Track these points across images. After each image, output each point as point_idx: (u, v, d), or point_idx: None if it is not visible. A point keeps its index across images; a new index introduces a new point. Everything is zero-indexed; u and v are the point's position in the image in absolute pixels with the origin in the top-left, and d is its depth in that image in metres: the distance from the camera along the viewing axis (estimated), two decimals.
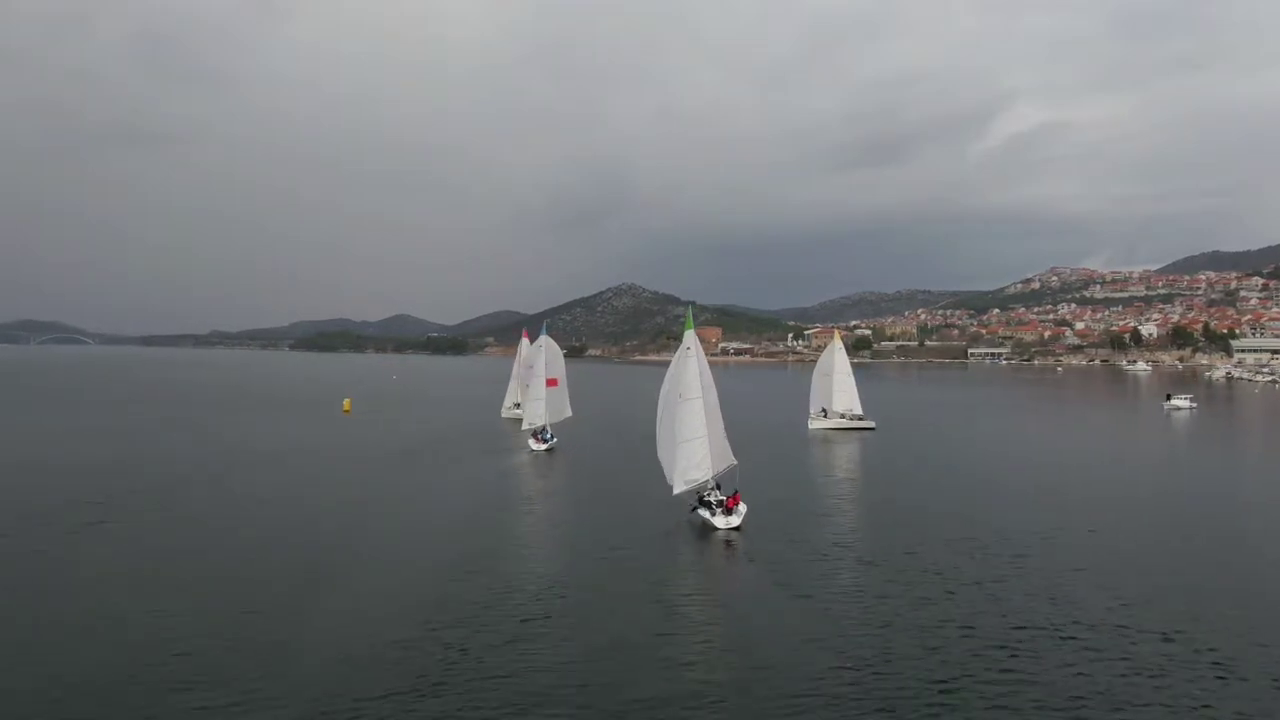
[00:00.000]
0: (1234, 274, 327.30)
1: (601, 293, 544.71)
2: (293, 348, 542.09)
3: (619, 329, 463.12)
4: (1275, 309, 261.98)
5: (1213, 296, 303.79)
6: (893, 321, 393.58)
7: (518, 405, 68.44)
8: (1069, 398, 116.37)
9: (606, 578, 23.05)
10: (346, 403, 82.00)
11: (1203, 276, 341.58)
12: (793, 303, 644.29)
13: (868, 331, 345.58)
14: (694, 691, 15.61)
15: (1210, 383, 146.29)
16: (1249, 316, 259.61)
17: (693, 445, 30.34)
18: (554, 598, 21.11)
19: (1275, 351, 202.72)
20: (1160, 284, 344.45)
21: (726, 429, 31.60)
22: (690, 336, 31.26)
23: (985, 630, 18.46)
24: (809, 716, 14.60)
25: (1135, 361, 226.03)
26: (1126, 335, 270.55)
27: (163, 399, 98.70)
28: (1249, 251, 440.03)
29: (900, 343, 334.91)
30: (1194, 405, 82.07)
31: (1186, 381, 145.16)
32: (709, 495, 29.93)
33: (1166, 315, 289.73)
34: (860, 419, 62.88)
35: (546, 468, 45.23)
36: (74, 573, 23.32)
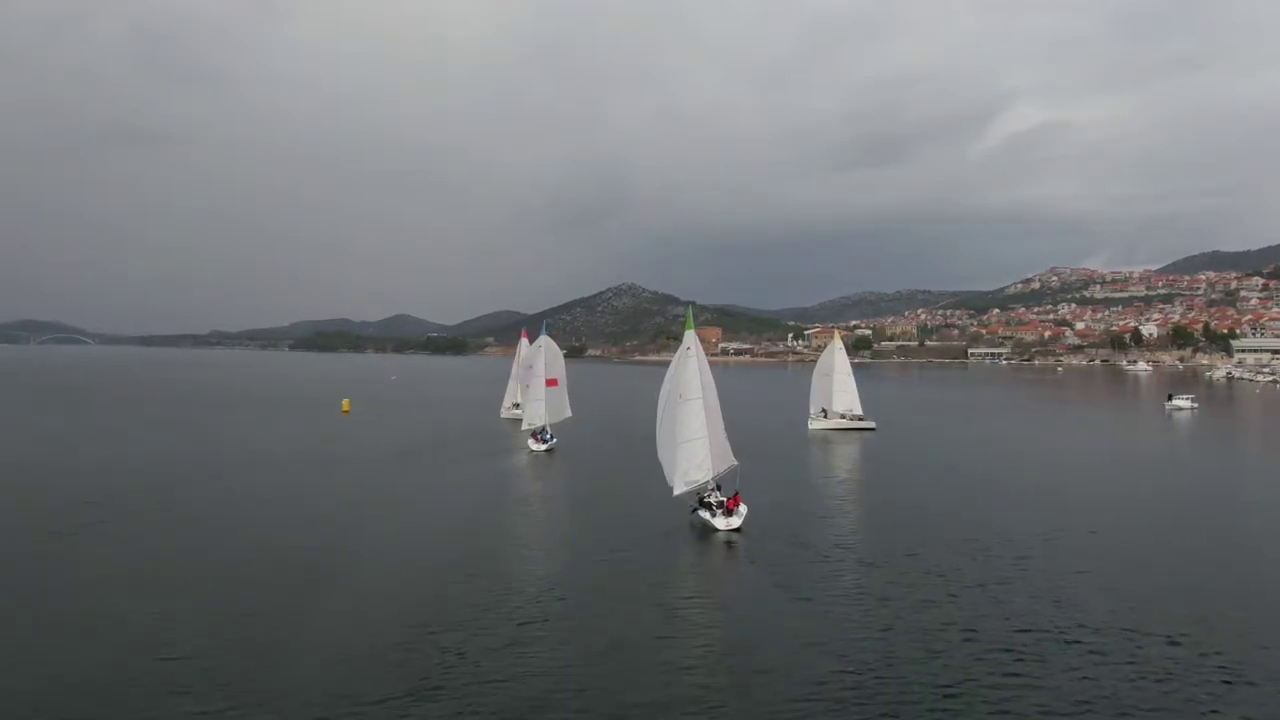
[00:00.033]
0: (1234, 274, 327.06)
1: (601, 293, 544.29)
2: (292, 348, 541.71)
3: (619, 329, 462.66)
4: (1275, 309, 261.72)
5: (1213, 296, 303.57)
6: (893, 321, 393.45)
7: (517, 405, 68.25)
8: (1070, 398, 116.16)
9: (606, 580, 22.86)
10: (345, 403, 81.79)
11: (1203, 276, 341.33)
12: (793, 303, 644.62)
13: (868, 331, 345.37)
14: (694, 696, 15.42)
15: (1211, 383, 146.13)
16: (1249, 316, 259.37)
17: (693, 446, 30.14)
18: (553, 600, 20.92)
19: (1276, 351, 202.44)
20: (1160, 284, 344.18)
21: (726, 429, 31.42)
22: (690, 336, 31.06)
23: (988, 633, 18.26)
24: None
25: (1136, 361, 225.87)
26: (1127, 335, 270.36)
27: (162, 399, 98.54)
28: (1249, 251, 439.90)
29: (900, 343, 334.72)
30: (1196, 405, 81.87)
31: (1187, 381, 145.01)
32: (709, 496, 29.72)
33: (1167, 315, 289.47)
34: (860, 419, 62.67)
35: (546, 468, 45.03)
36: (74, 573, 23.32)
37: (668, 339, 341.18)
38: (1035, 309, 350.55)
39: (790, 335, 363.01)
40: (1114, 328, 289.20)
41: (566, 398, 55.67)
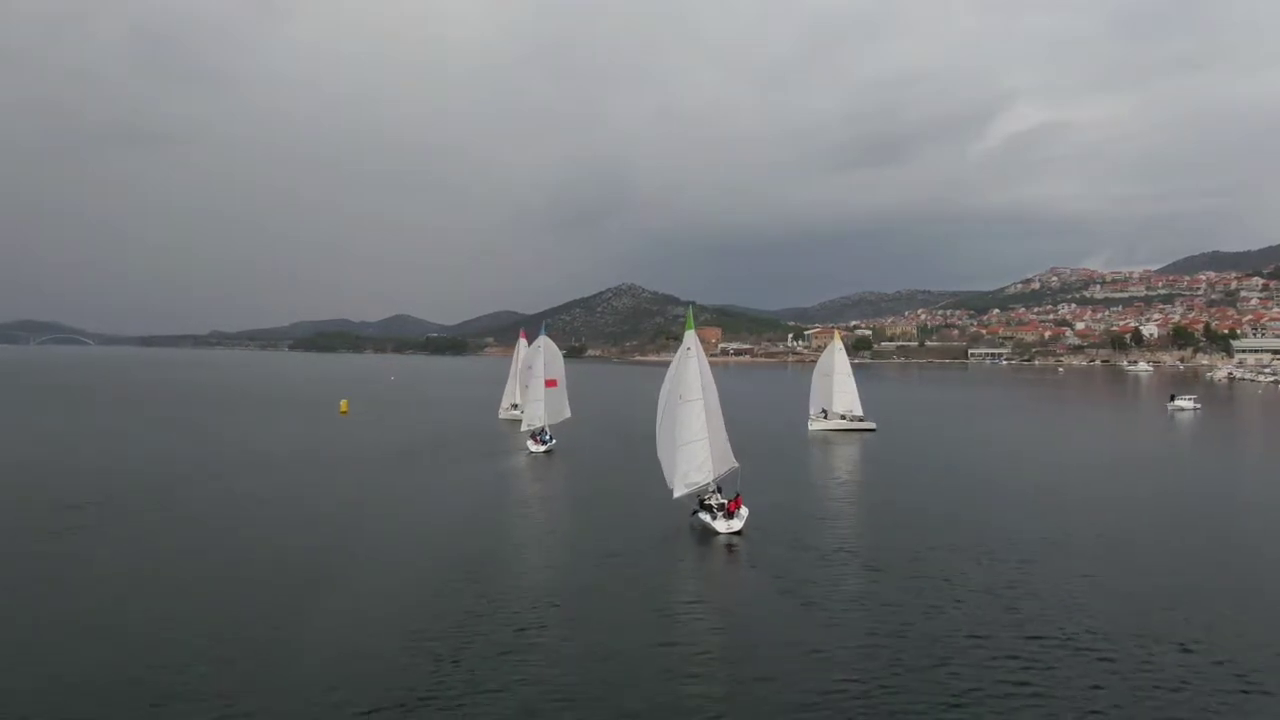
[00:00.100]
0: (1234, 274, 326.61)
1: (601, 293, 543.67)
2: (292, 348, 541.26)
3: (619, 329, 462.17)
4: (1276, 309, 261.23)
5: (1213, 297, 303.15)
6: (893, 322, 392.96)
7: (515, 406, 67.90)
8: (1071, 398, 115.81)
9: (604, 584, 22.45)
10: (344, 404, 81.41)
11: (1203, 276, 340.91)
12: (793, 303, 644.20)
13: (868, 332, 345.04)
14: (694, 705, 15.00)
15: (1212, 383, 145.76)
16: (1249, 317, 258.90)
17: (693, 447, 29.75)
18: (550, 606, 20.49)
19: (1276, 352, 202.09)
20: (1160, 284, 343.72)
21: (727, 430, 31.04)
22: (690, 337, 30.68)
23: (996, 640, 17.83)
24: None
25: (1136, 362, 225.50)
26: (1127, 335, 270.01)
27: (162, 399, 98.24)
28: (1249, 252, 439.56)
29: (900, 343, 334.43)
30: (1198, 406, 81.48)
31: (1188, 382, 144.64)
32: (710, 498, 29.32)
33: (1167, 315, 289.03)
34: (860, 420, 62.28)
35: (545, 470, 44.62)
36: (74, 573, 23.36)
37: (667, 339, 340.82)
38: (1035, 309, 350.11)
39: (790, 335, 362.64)
40: (1114, 328, 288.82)
41: (566, 398, 55.29)
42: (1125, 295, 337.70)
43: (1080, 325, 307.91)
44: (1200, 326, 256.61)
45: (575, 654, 17.35)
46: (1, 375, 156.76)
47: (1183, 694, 15.19)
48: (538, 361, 53.79)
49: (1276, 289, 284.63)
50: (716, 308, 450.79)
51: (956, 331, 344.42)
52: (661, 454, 30.80)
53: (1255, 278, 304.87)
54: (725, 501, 28.99)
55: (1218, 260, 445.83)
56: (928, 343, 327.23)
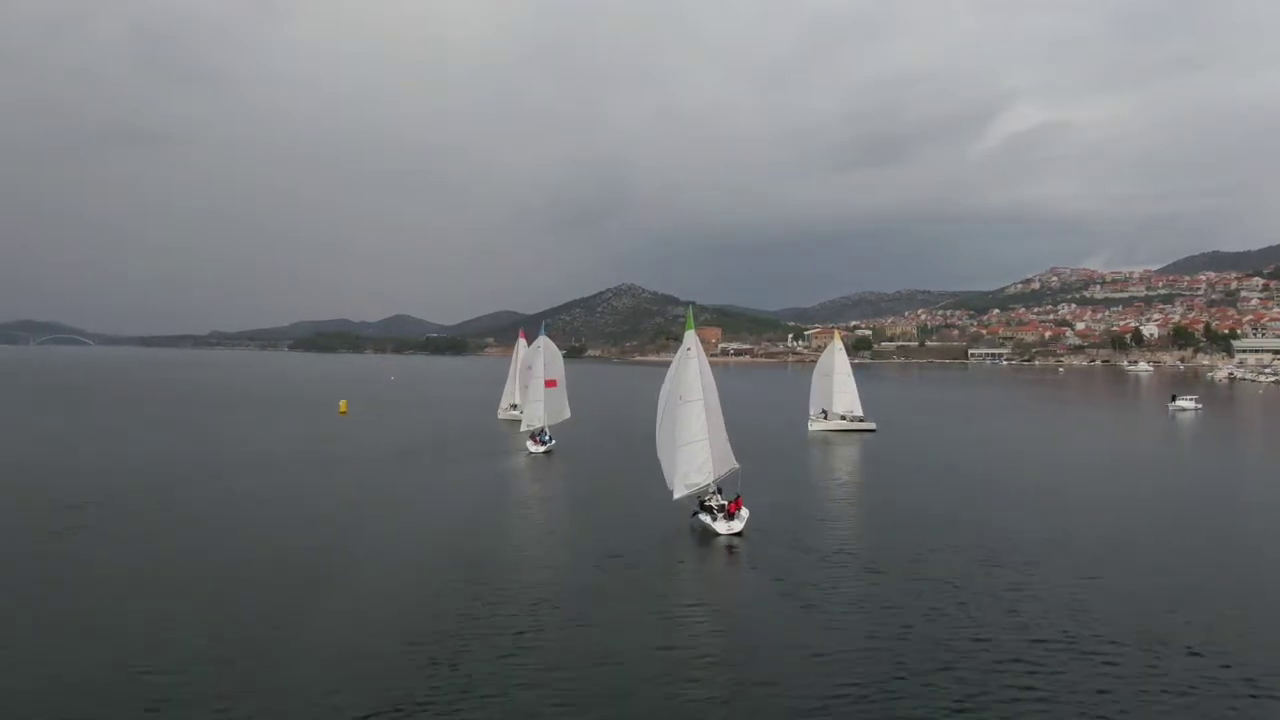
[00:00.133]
0: (1234, 274, 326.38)
1: (601, 293, 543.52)
2: (292, 348, 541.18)
3: (618, 329, 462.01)
4: (1276, 309, 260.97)
5: (1213, 297, 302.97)
6: (893, 322, 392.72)
7: (514, 406, 67.74)
8: (1072, 399, 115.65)
9: (604, 586, 22.25)
10: (343, 404, 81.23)
11: (1203, 277, 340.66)
12: (793, 303, 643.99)
13: (868, 332, 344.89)
14: (694, 710, 14.80)
15: (1213, 383, 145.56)
16: (1250, 317, 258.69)
17: (693, 448, 29.55)
18: (549, 609, 20.27)
19: (1277, 352, 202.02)
20: (1160, 284, 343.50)
21: (727, 431, 30.84)
22: (691, 337, 30.48)
23: (1000, 644, 17.62)
24: None
25: (1137, 362, 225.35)
26: (1128, 336, 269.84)
27: (162, 399, 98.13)
28: (1249, 252, 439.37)
29: (900, 343, 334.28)
30: (1200, 406, 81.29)
31: (1189, 382, 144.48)
32: (710, 500, 29.13)
33: (1167, 315, 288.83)
34: (861, 420, 62.09)
35: (544, 471, 44.43)
36: (74, 573, 23.39)
37: (667, 339, 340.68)
38: (1035, 309, 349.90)
39: (790, 335, 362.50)
40: (1114, 328, 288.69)
41: (565, 399, 55.06)
42: (1125, 295, 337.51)
43: (1080, 325, 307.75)
44: (1200, 326, 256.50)
45: (574, 657, 17.14)
46: (1, 375, 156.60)
47: (1190, 698, 14.97)
48: (537, 362, 53.59)
49: (1277, 289, 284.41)
50: (716, 308, 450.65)
51: (956, 332, 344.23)
52: (661, 455, 30.60)
53: (1255, 278, 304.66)
54: (726, 503, 28.80)
55: (1218, 260, 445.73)
56: (928, 343, 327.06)
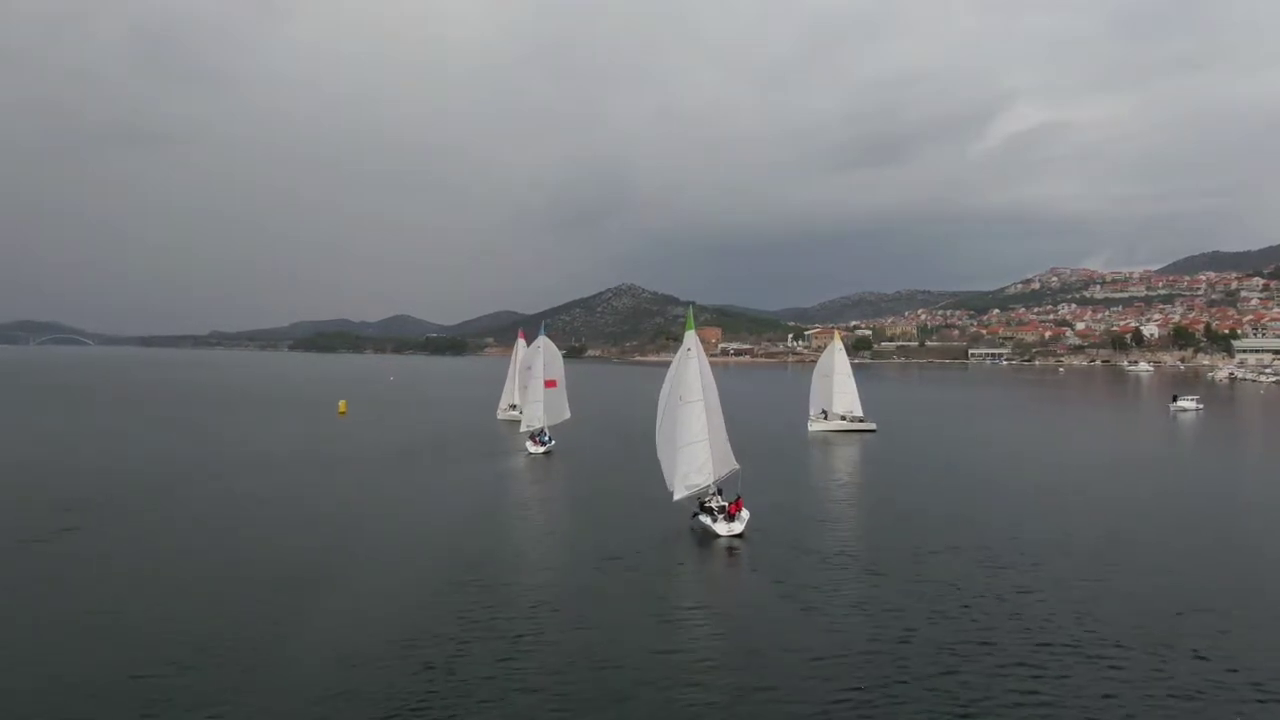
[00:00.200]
0: (1234, 274, 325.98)
1: (601, 293, 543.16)
2: (292, 348, 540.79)
3: (618, 329, 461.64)
4: (1276, 309, 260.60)
5: (1213, 297, 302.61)
6: (893, 322, 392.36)
7: (513, 406, 67.58)
8: (1072, 399, 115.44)
9: (603, 588, 22.07)
10: (342, 405, 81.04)
11: (1203, 277, 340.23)
12: (792, 303, 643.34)
13: (868, 332, 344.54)
14: (695, 715, 14.61)
15: (1214, 383, 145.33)
16: (1250, 317, 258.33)
17: (694, 449, 29.36)
18: (548, 611, 20.09)
19: (1277, 352, 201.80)
20: (1160, 284, 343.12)
21: (727, 431, 30.65)
22: (691, 337, 30.30)
23: (1003, 647, 17.42)
24: None
25: (1137, 362, 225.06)
26: (1128, 336, 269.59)
27: (162, 399, 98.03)
28: (1249, 252, 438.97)
29: (900, 343, 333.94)
30: (1201, 407, 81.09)
31: (1189, 382, 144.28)
32: (710, 501, 28.94)
33: (1167, 315, 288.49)
34: (861, 421, 61.89)
35: (544, 471, 44.24)
36: (74, 573, 23.39)
37: (667, 339, 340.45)
38: (1035, 309, 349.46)
39: (790, 336, 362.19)
40: (1115, 328, 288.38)
41: (565, 399, 54.87)
42: (1125, 295, 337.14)
43: (1080, 325, 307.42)
44: (1201, 327, 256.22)
45: (573, 661, 16.95)
46: (1, 375, 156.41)
47: (1197, 703, 14.78)
48: (537, 362, 53.41)
49: (1277, 289, 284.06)
50: (716, 308, 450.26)
51: (956, 332, 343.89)
52: (661, 455, 30.41)
53: (1255, 278, 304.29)
54: (726, 504, 28.62)
55: (1218, 260, 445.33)
56: (928, 343, 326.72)
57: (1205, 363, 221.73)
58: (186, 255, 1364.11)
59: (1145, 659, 16.75)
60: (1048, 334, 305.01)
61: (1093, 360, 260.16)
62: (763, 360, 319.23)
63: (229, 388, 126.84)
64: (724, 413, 30.73)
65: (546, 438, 50.20)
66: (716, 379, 30.74)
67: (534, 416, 51.31)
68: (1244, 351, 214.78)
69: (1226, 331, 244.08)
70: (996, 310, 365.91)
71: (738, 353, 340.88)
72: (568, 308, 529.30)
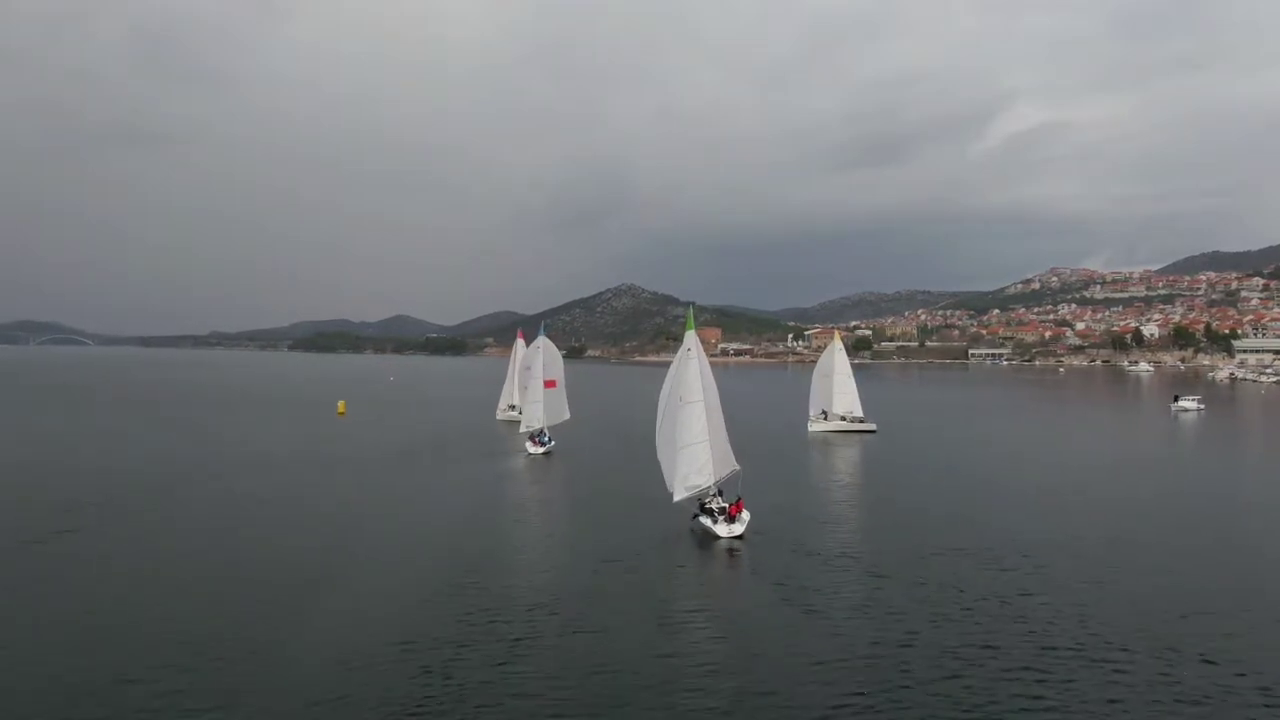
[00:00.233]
0: (1234, 274, 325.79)
1: (601, 293, 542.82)
2: (291, 348, 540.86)
3: (618, 330, 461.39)
4: (1276, 309, 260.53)
5: (1213, 297, 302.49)
6: (893, 322, 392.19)
7: (512, 407, 67.39)
8: (1073, 399, 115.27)
9: (603, 591, 21.86)
10: (341, 405, 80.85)
11: (1203, 277, 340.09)
12: (792, 303, 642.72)
13: (868, 332, 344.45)
14: None
15: (1214, 383, 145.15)
16: (1250, 317, 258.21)
17: (694, 450, 29.16)
18: (546, 614, 19.88)
19: (1278, 352, 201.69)
20: (1161, 284, 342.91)
21: (727, 432, 30.47)
22: (691, 338, 30.11)
23: (1009, 651, 17.21)
24: None
25: (1137, 362, 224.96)
26: (1128, 336, 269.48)
27: (162, 399, 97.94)
28: (1249, 252, 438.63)
29: (900, 343, 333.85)
30: (1202, 407, 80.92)
31: (1190, 382, 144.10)
32: (711, 502, 28.75)
33: (1167, 315, 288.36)
34: (861, 421, 61.71)
35: (543, 472, 44.04)
36: (74, 573, 23.39)
37: (667, 339, 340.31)
38: (1035, 309, 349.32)
39: (790, 336, 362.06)
40: (1115, 328, 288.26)
41: (565, 399, 54.63)
42: (1125, 295, 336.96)
43: (1080, 325, 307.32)
44: (1201, 327, 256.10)
45: (571, 665, 16.75)
46: (1, 375, 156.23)
47: (1205, 708, 14.58)
48: (536, 362, 53.21)
49: (1277, 289, 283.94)
50: (716, 308, 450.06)
51: (956, 332, 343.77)
52: (661, 456, 30.23)
53: (1256, 278, 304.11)
54: (726, 505, 28.43)
55: (1218, 260, 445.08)
56: (928, 343, 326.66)
57: (1205, 363, 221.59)
58: (186, 255, 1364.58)
59: (1151, 663, 16.55)
60: (1048, 334, 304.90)
61: (1093, 360, 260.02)
62: (763, 360, 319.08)
63: (229, 388, 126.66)
64: (724, 413, 30.55)
65: (546, 438, 50.01)
66: (716, 379, 30.55)
67: (533, 417, 51.10)
68: (1244, 352, 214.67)
69: (1227, 332, 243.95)
70: (996, 310, 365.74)
71: (738, 353, 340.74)
72: (567, 308, 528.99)
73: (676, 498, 29.22)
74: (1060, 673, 16.09)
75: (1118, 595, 21.04)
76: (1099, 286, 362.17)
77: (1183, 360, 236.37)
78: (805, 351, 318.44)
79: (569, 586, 22.31)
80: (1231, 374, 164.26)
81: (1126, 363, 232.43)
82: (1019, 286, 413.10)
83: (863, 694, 15.28)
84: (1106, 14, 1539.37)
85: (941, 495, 35.67)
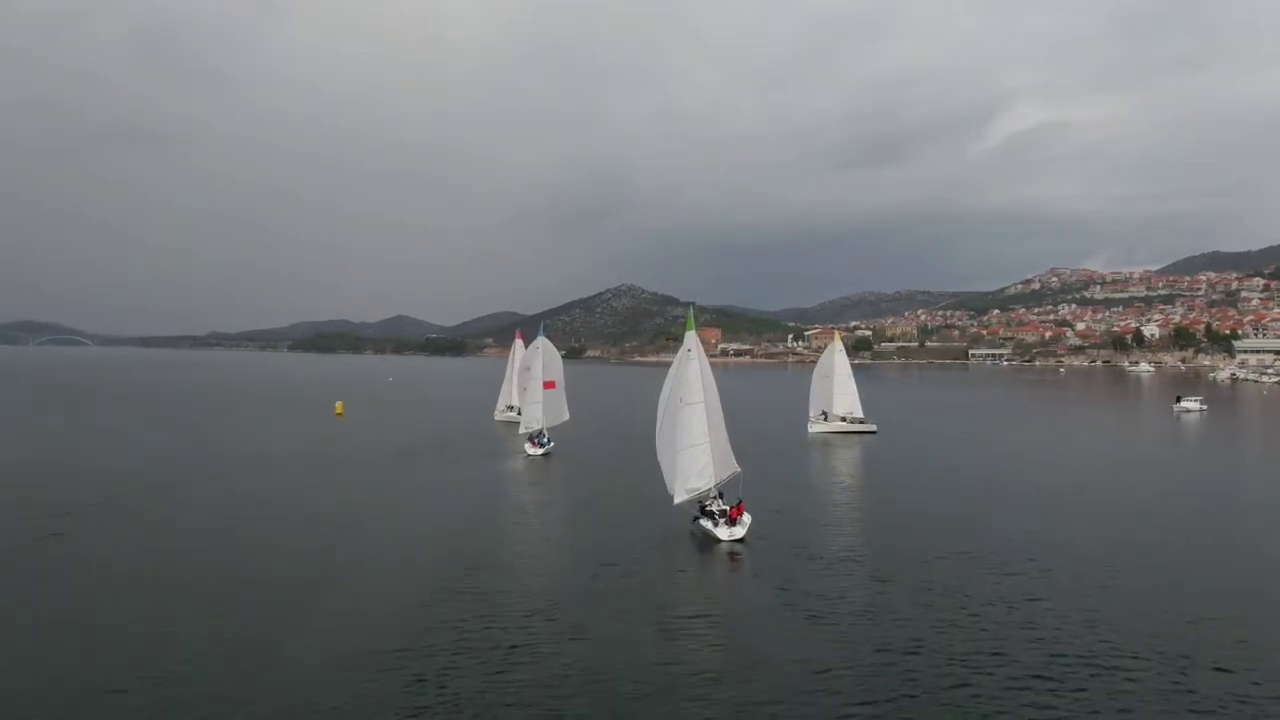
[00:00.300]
0: (1235, 274, 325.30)
1: (601, 293, 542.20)
2: (291, 349, 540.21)
3: (618, 330, 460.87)
4: (1277, 309, 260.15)
5: (1213, 297, 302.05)
6: (893, 322, 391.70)
7: (511, 407, 67.02)
8: (1074, 400, 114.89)
9: (601, 595, 21.48)
10: (339, 406, 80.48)
11: (1203, 277, 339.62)
12: (792, 303, 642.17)
13: (868, 332, 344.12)
14: None
15: (1215, 384, 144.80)
16: (1250, 317, 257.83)
17: (694, 452, 28.79)
18: (542, 620, 19.51)
19: (1278, 352, 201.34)
20: (1161, 284, 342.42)
21: (727, 433, 30.11)
22: (691, 338, 29.74)
23: (1018, 658, 16.84)
24: None
25: (1138, 363, 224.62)
26: (1129, 336, 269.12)
27: (162, 399, 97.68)
28: (1249, 252, 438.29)
29: (900, 344, 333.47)
30: (1204, 407, 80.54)
31: (1191, 383, 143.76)
32: (711, 505, 28.39)
33: (1167, 316, 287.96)
34: (861, 422, 61.34)
35: (542, 473, 43.68)
36: (74, 573, 23.31)
37: (667, 340, 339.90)
38: (1035, 310, 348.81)
39: (790, 336, 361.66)
40: (1115, 329, 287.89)
41: (564, 400, 54.27)
42: (1125, 296, 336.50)
43: (1081, 326, 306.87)
44: (1201, 327, 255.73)
45: (567, 673, 16.37)
46: (1, 375, 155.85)
47: (1221, 718, 14.21)
48: (536, 363, 52.84)
49: (1277, 289, 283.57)
50: (716, 308, 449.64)
51: (957, 332, 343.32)
52: (661, 458, 29.84)
53: (1256, 278, 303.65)
54: (727, 508, 28.06)
55: (1218, 260, 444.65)
56: (928, 343, 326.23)
57: (1206, 363, 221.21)
58: (186, 255, 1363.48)
59: (1164, 671, 16.18)
60: (1048, 334, 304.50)
61: (1093, 361, 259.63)
62: (763, 361, 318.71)
63: (228, 388, 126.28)
64: (724, 414, 30.19)
65: (545, 439, 49.65)
66: (716, 380, 30.18)
67: (533, 418, 50.73)
68: (1245, 352, 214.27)
69: (1227, 332, 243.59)
70: (996, 310, 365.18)
71: (738, 353, 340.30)
72: (567, 308, 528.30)
73: (677, 500, 28.86)
74: (1071, 681, 15.71)
75: (1126, 600, 20.67)
76: (1099, 287, 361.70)
77: (1183, 361, 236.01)
78: (805, 352, 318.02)
79: (567, 590, 21.95)
80: (1232, 374, 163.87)
81: (1127, 363, 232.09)
82: (1019, 287, 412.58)
83: (868, 703, 14.92)
84: (1106, 14, 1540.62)
85: (943, 497, 35.30)
